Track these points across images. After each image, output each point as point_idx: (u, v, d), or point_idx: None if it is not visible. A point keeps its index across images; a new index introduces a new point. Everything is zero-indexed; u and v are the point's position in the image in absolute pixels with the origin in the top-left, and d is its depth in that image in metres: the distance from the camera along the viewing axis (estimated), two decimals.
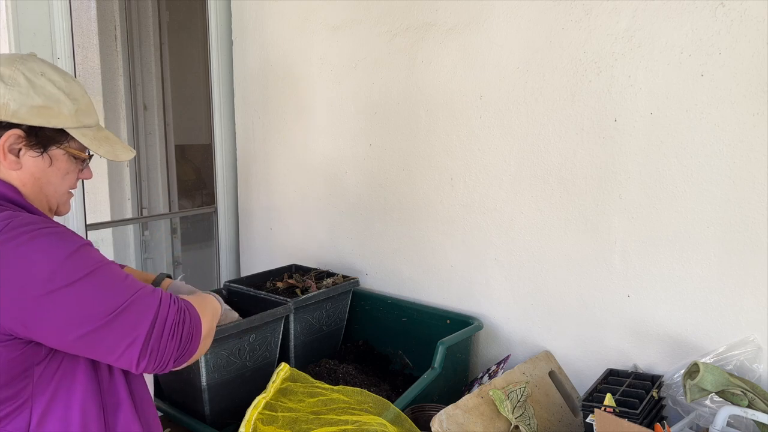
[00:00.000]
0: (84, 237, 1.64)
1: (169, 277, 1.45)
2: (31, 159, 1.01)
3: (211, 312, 1.16)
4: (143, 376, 1.11)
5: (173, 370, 1.02)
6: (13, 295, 0.87)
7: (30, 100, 0.98)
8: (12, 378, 0.93)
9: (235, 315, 1.54)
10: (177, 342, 0.97)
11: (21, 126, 0.98)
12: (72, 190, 1.13)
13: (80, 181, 1.16)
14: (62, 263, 0.90)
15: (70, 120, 1.03)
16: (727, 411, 1.20)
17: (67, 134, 1.04)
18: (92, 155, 1.11)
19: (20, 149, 1.00)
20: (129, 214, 3.18)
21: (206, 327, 1.07)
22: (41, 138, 1.01)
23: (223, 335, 1.42)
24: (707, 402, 1.30)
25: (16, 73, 0.98)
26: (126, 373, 1.07)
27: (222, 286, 1.92)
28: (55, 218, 1.14)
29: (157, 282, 1.43)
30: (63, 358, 0.98)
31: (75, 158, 1.08)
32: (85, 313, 0.90)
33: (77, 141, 1.05)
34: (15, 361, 0.92)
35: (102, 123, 1.15)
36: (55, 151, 1.04)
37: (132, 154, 1.15)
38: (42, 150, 1.02)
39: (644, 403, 1.27)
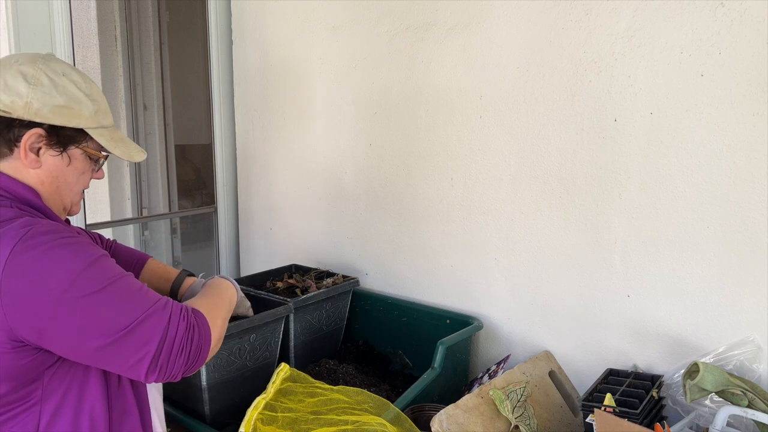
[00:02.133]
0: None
1: (192, 275, 1.45)
2: (50, 158, 1.02)
3: (225, 311, 1.16)
4: (146, 388, 1.12)
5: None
6: (28, 304, 0.88)
7: (52, 100, 0.99)
8: (23, 382, 0.93)
9: (248, 304, 1.53)
10: (185, 358, 0.98)
11: (42, 125, 0.99)
12: (84, 190, 1.14)
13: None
14: (78, 275, 0.90)
15: (90, 120, 1.05)
16: (727, 411, 1.20)
17: (86, 134, 1.05)
18: (107, 156, 1.12)
19: (40, 148, 1.01)
20: (129, 214, 3.18)
21: (216, 336, 1.07)
22: (62, 137, 1.02)
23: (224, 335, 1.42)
24: (707, 402, 1.30)
25: (38, 72, 1.00)
26: (133, 384, 1.08)
27: None
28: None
29: (179, 281, 1.43)
30: (73, 365, 0.98)
31: (90, 158, 1.09)
32: (98, 328, 0.91)
33: (95, 141, 1.07)
34: (26, 367, 0.92)
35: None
36: (74, 151, 1.05)
37: (144, 155, 1.17)
38: (62, 149, 1.03)
39: (644, 403, 1.27)
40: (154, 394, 1.15)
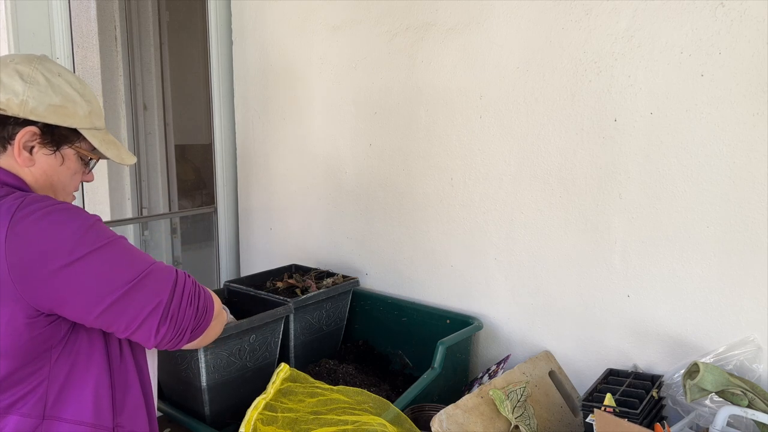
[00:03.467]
0: None
1: None
2: (44, 157, 1.03)
3: (218, 301, 1.19)
4: (148, 365, 1.12)
5: (185, 348, 1.05)
6: (37, 270, 0.89)
7: (48, 99, 1.01)
8: (29, 360, 0.94)
9: (231, 317, 1.56)
10: (194, 310, 1.01)
11: (37, 123, 1.00)
12: (74, 193, 1.15)
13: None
14: (83, 234, 0.93)
15: (84, 121, 1.06)
16: (727, 411, 1.20)
17: (79, 134, 1.07)
18: (99, 158, 1.14)
19: (33, 146, 1.02)
20: (129, 214, 3.18)
21: (217, 306, 1.10)
22: (56, 136, 1.03)
23: (223, 335, 1.42)
24: (707, 402, 1.30)
25: (34, 71, 1.01)
26: (135, 358, 1.09)
27: (222, 286, 1.92)
28: None
29: None
30: (78, 340, 0.99)
31: (82, 159, 1.10)
32: (110, 280, 0.93)
33: (88, 142, 1.08)
34: (36, 340, 0.93)
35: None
36: (67, 150, 1.06)
37: (134, 159, 1.20)
38: (55, 148, 1.04)
39: (644, 403, 1.27)
40: (152, 368, 1.16)
